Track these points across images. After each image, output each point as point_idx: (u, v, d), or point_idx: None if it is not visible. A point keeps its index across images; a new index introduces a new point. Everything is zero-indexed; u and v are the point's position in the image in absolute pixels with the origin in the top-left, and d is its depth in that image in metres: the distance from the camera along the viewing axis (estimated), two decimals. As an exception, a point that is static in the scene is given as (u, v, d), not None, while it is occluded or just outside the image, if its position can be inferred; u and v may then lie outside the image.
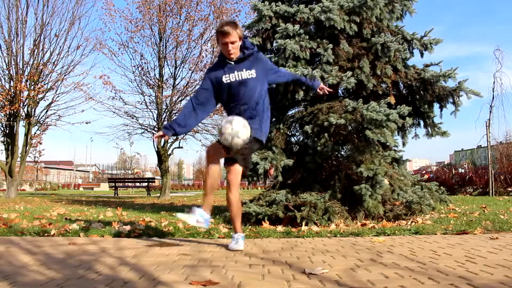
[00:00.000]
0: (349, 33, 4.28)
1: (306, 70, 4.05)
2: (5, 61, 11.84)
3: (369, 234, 3.19)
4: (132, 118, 12.52)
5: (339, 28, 4.17)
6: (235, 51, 2.60)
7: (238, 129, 2.40)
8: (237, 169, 2.68)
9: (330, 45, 4.21)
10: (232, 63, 2.64)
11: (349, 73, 4.07)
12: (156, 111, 12.25)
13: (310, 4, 4.55)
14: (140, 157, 52.04)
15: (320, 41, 4.27)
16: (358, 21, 4.27)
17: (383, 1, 4.20)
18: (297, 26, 4.22)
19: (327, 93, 3.21)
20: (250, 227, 3.63)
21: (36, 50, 11.99)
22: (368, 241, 2.88)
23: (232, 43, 2.56)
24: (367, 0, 4.04)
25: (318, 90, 3.20)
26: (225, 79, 2.62)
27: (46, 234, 3.27)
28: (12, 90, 11.62)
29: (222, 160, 2.74)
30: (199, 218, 2.58)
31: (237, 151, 2.52)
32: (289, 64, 4.16)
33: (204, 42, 12.30)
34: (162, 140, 12.19)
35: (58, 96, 12.58)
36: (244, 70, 2.62)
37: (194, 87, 12.30)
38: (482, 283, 1.65)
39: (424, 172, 24.07)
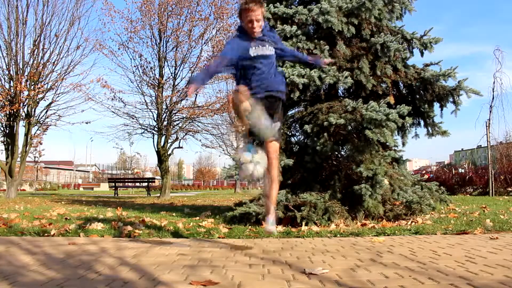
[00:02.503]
0: (347, 35, 4.27)
1: (304, 70, 4.05)
2: (5, 61, 11.85)
3: (369, 234, 3.19)
4: (132, 118, 12.52)
5: (337, 30, 4.16)
6: (258, 29, 2.66)
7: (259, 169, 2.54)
8: (275, 144, 2.76)
9: (326, 47, 4.21)
10: (254, 39, 2.71)
11: (345, 73, 4.07)
12: (156, 111, 12.26)
13: (309, 5, 4.54)
14: (140, 157, 51.98)
15: (318, 42, 4.27)
16: (357, 23, 4.27)
17: (381, 1, 4.19)
18: (294, 27, 4.22)
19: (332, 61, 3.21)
20: (250, 227, 3.63)
21: (36, 50, 11.99)
22: (368, 241, 2.88)
23: (257, 20, 2.63)
24: (365, 2, 4.04)
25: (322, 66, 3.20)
26: (252, 51, 2.67)
27: (46, 234, 3.27)
28: (12, 90, 11.62)
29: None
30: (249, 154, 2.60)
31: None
32: (286, 64, 4.17)
33: (204, 42, 12.31)
34: (162, 139, 12.21)
35: (58, 96, 12.57)
36: (266, 46, 2.72)
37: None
38: (482, 283, 1.65)
39: (424, 172, 24.06)
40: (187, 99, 12.37)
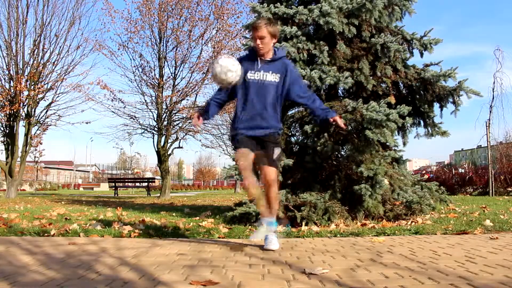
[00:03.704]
0: (348, 35, 4.27)
1: (304, 71, 4.05)
2: (5, 61, 11.86)
3: (369, 234, 3.19)
4: (132, 118, 12.52)
5: (337, 31, 4.16)
6: (263, 46, 2.61)
7: (227, 64, 2.51)
8: (270, 169, 2.63)
9: (326, 47, 4.21)
10: (261, 62, 2.66)
11: (346, 74, 4.07)
12: (156, 111, 12.26)
13: (309, 5, 4.54)
14: (140, 157, 52.09)
15: (317, 43, 4.27)
16: (357, 23, 4.27)
17: (382, 2, 4.19)
18: (294, 28, 4.22)
19: (341, 126, 2.79)
20: (250, 227, 3.63)
21: (36, 50, 12.00)
22: (368, 241, 2.88)
23: (261, 38, 2.59)
24: (366, 3, 4.04)
25: (331, 120, 2.71)
26: (250, 75, 2.64)
27: (46, 234, 3.27)
28: (12, 90, 11.63)
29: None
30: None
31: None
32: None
33: (204, 43, 12.31)
34: (162, 139, 12.22)
35: (58, 96, 12.61)
36: (270, 72, 2.64)
37: (194, 87, 12.30)
38: (482, 283, 1.65)
39: (424, 172, 24.05)
40: (187, 99, 12.39)
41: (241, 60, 2.74)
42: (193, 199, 10.87)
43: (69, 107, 13.20)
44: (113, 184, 16.71)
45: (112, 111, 12.36)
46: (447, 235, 3.12)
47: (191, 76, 12.35)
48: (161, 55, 12.13)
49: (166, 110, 12.18)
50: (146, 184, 17.53)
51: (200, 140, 14.60)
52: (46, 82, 12.27)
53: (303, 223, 3.60)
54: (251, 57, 2.70)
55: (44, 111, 12.53)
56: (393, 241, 2.85)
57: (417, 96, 4.60)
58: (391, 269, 1.95)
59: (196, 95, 12.61)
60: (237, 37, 12.11)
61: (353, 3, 4.15)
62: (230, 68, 2.51)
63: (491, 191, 10.11)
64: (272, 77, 2.64)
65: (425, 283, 1.67)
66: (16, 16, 11.92)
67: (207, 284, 1.70)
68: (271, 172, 2.61)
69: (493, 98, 11.46)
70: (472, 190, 11.69)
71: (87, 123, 13.26)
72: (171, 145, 12.65)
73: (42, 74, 12.04)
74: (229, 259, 2.27)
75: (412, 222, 3.79)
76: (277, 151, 2.66)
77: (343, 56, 4.33)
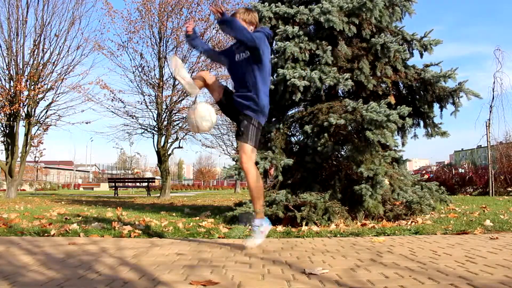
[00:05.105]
0: (348, 34, 4.28)
1: (305, 71, 4.05)
2: (5, 61, 11.85)
3: (369, 234, 3.19)
4: (132, 118, 12.51)
5: (338, 30, 4.17)
6: None
7: (204, 113, 2.72)
8: (242, 146, 2.67)
9: (329, 47, 4.21)
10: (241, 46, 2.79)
11: (346, 75, 4.07)
12: (156, 111, 12.26)
13: (310, 5, 4.55)
14: (140, 157, 52.07)
15: (320, 43, 4.27)
16: (358, 22, 4.28)
17: (382, 2, 4.19)
18: (296, 28, 4.22)
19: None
20: (250, 227, 3.63)
21: (36, 50, 11.99)
22: (368, 241, 2.88)
23: None
24: (366, 2, 4.04)
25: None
26: (236, 57, 2.81)
27: (46, 234, 3.27)
28: (12, 90, 11.62)
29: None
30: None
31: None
32: (287, 65, 4.17)
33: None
34: (162, 139, 12.21)
35: (58, 96, 12.58)
36: (246, 52, 2.75)
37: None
38: (482, 283, 1.65)
39: (424, 172, 24.04)
40: (187, 99, 12.38)
41: (229, 49, 2.95)
42: (193, 199, 10.87)
43: (69, 107, 13.21)
44: (113, 184, 16.70)
45: (112, 111, 12.37)
46: (447, 235, 3.13)
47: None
48: (161, 55, 12.13)
49: (166, 110, 12.18)
50: (146, 184, 17.52)
51: (200, 140, 14.58)
52: (46, 82, 12.26)
53: (303, 223, 3.60)
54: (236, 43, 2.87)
55: (44, 111, 12.53)
56: (393, 241, 2.85)
57: (417, 97, 4.60)
58: (391, 269, 1.95)
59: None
60: (237, 37, 12.10)
61: (354, 2, 4.15)
62: (207, 118, 2.71)
63: (491, 191, 10.11)
64: (245, 54, 2.75)
65: (425, 283, 1.67)
66: (16, 16, 11.92)
67: (207, 284, 1.70)
68: (242, 150, 2.65)
69: (493, 98, 11.46)
70: (472, 190, 11.68)
71: (87, 123, 13.26)
72: (171, 145, 12.64)
73: (42, 74, 12.03)
74: (229, 259, 2.27)
75: (412, 222, 3.79)
76: (245, 123, 2.68)
77: (344, 56, 4.33)
